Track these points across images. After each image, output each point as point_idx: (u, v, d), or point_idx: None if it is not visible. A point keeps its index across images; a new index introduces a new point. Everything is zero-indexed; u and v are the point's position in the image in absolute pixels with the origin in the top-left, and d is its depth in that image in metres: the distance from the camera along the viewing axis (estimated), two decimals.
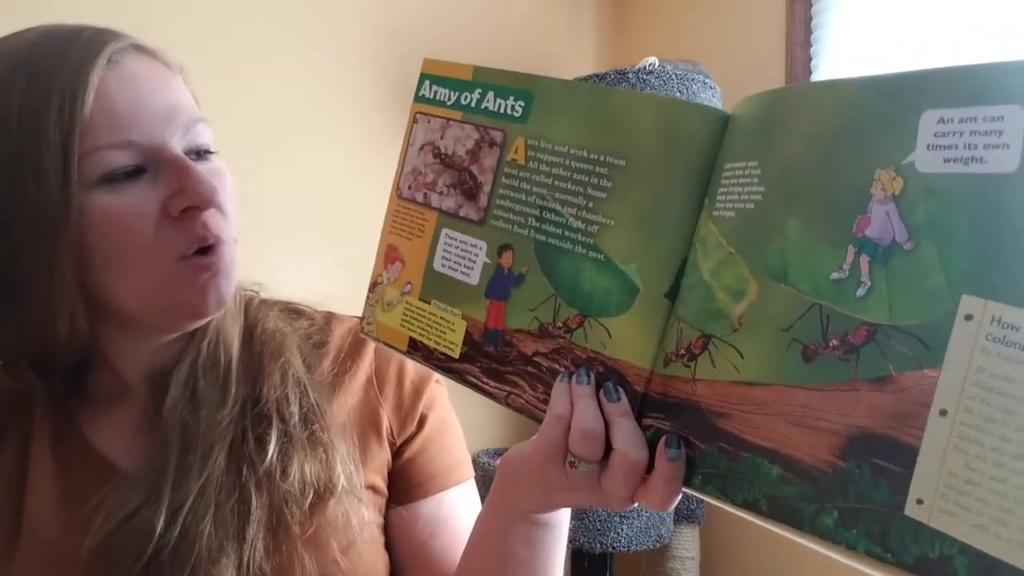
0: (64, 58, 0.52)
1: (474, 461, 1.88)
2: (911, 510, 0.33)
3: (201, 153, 0.57)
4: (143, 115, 0.53)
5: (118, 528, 0.54)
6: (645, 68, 1.68)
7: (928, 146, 0.33)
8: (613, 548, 1.67)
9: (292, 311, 0.69)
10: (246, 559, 0.54)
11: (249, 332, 0.63)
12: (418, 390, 0.67)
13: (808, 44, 1.75)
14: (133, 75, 0.54)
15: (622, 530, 1.67)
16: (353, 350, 0.67)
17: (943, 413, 0.32)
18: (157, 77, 0.56)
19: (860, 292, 0.35)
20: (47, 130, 0.50)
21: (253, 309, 0.66)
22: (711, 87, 1.68)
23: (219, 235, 0.56)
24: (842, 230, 0.36)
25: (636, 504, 0.45)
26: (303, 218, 1.78)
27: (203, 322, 0.61)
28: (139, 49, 0.56)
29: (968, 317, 0.31)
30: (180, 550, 0.53)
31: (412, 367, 0.68)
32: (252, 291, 0.68)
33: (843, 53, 1.65)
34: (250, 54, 1.73)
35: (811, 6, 1.75)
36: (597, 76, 1.70)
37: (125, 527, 0.54)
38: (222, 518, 0.54)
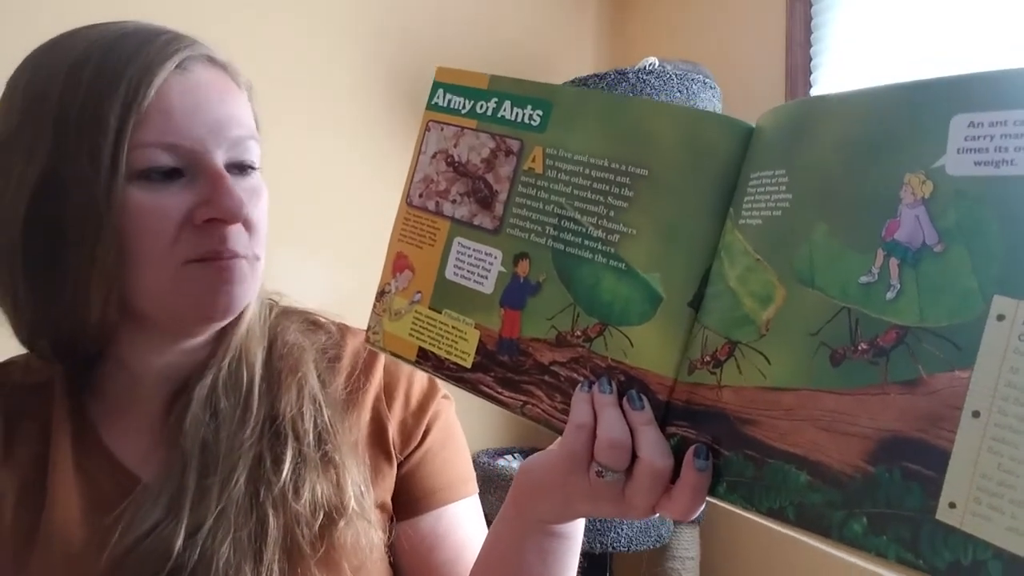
0: (138, 54, 0.55)
1: (474, 461, 1.93)
2: (943, 514, 0.34)
3: (244, 168, 0.60)
4: (196, 121, 0.56)
5: (135, 546, 0.55)
6: (645, 68, 1.72)
7: (958, 150, 0.35)
8: (613, 548, 1.71)
9: (311, 323, 0.71)
10: None
11: (270, 346, 0.65)
12: (423, 407, 0.69)
13: (808, 44, 1.80)
14: (197, 83, 0.57)
15: (622, 530, 1.71)
16: (366, 366, 0.68)
17: (976, 415, 0.33)
18: (220, 88, 0.59)
19: (890, 295, 0.36)
20: (107, 115, 0.53)
21: (273, 321, 0.67)
22: (711, 87, 1.73)
23: (236, 250, 0.58)
24: (871, 234, 0.38)
25: (657, 515, 0.46)
26: (310, 219, 1.82)
27: (215, 327, 0.62)
28: (211, 60, 0.60)
29: (1000, 317, 0.32)
30: (198, 571, 0.55)
31: (420, 383, 0.69)
32: (272, 299, 0.69)
33: (843, 53, 1.70)
34: (253, 54, 1.77)
35: (811, 6, 1.79)
36: (597, 76, 1.75)
37: (142, 545, 0.55)
38: (240, 541, 0.56)
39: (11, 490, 0.59)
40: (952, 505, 0.34)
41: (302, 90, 1.87)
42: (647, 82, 1.67)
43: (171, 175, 0.56)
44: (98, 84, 0.54)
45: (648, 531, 1.73)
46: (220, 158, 0.57)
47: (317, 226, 1.85)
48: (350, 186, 1.94)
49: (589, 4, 2.38)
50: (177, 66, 0.56)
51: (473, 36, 2.13)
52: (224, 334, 0.63)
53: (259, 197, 0.61)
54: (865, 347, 0.37)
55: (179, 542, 0.55)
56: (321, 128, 1.91)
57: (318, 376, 0.65)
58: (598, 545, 1.71)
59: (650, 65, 1.76)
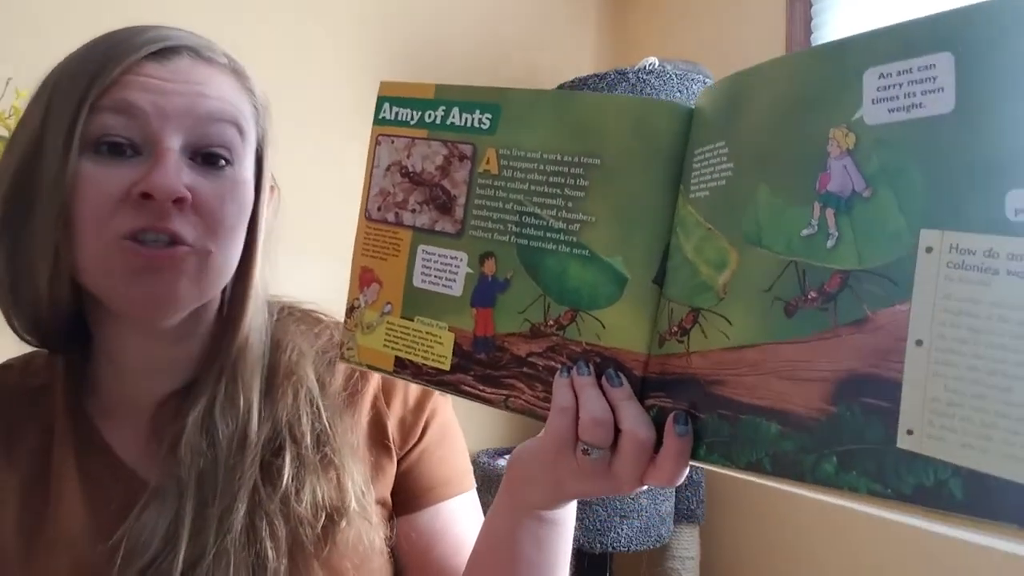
0: (126, 39, 0.58)
1: (474, 461, 1.96)
2: (903, 442, 0.37)
3: (212, 158, 0.59)
4: (160, 98, 0.57)
5: None
6: (645, 68, 1.76)
7: (873, 100, 0.38)
8: (613, 548, 1.73)
9: (314, 323, 0.71)
10: None
11: (271, 356, 0.65)
12: (421, 404, 0.71)
13: (808, 44, 1.84)
14: (176, 68, 0.58)
15: (622, 530, 1.73)
16: None
17: (919, 343, 0.36)
18: (203, 76, 0.59)
19: (830, 244, 0.40)
20: (72, 89, 0.56)
21: (275, 327, 0.68)
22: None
23: (178, 232, 0.56)
24: (807, 189, 0.41)
25: (644, 487, 0.49)
26: (309, 219, 1.83)
27: (162, 319, 0.61)
28: (201, 56, 0.60)
29: (928, 249, 0.35)
30: None
31: None
32: (275, 301, 0.70)
33: None
34: (253, 55, 1.80)
35: (811, 6, 1.85)
36: (597, 76, 1.78)
37: None
38: (239, 569, 0.57)
39: (14, 490, 0.60)
40: (910, 432, 0.37)
41: (302, 90, 1.90)
42: (647, 82, 1.71)
43: (125, 152, 0.56)
44: (82, 63, 0.57)
45: (648, 531, 1.75)
46: (175, 139, 0.57)
47: (317, 226, 1.87)
48: (350, 186, 1.96)
49: (589, 4, 2.44)
50: (158, 52, 0.57)
51: (473, 36, 2.18)
52: (219, 340, 0.63)
53: (229, 192, 0.59)
54: (814, 295, 0.40)
55: (177, 573, 0.56)
56: (321, 128, 1.94)
57: (317, 378, 0.66)
58: (598, 545, 1.72)
59: (650, 65, 1.79)
